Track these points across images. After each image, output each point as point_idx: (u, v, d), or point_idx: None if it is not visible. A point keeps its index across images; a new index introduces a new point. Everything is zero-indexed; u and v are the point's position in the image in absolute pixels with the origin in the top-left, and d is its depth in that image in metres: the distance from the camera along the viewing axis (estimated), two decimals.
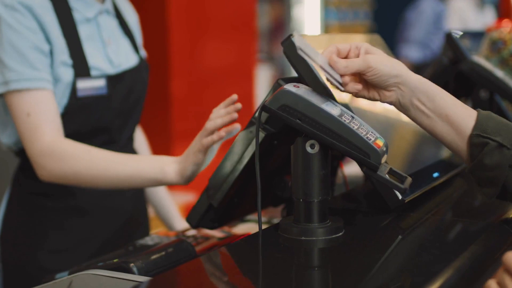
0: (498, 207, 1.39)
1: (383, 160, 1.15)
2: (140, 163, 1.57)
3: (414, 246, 1.22)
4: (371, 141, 1.13)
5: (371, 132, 1.16)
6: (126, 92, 1.79)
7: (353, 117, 1.17)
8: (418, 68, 6.45)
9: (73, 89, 1.68)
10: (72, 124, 1.70)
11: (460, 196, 1.52)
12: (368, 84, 1.23)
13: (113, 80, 1.75)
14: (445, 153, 1.63)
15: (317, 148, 1.15)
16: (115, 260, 1.33)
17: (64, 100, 1.68)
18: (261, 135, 1.31)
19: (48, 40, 1.65)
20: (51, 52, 1.66)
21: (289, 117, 1.14)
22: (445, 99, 1.24)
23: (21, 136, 1.62)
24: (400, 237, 1.25)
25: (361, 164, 1.15)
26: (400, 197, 1.28)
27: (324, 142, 1.14)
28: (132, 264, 1.30)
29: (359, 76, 1.22)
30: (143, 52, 1.98)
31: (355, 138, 1.12)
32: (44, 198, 1.74)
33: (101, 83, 1.72)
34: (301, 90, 1.16)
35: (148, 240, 1.59)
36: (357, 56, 1.21)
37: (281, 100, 1.14)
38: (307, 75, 1.32)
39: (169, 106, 3.80)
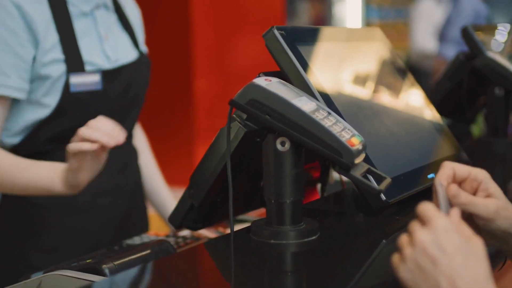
0: None
1: (358, 160, 1.08)
2: (37, 171, 1.55)
3: (396, 251, 1.14)
4: (344, 138, 1.06)
5: (348, 130, 1.09)
6: (123, 87, 1.75)
7: (329, 114, 1.10)
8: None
9: (66, 84, 1.64)
10: (66, 120, 1.67)
11: None
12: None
13: (109, 75, 1.71)
14: (448, 152, 1.54)
15: (288, 145, 1.08)
16: (88, 261, 1.29)
17: (57, 96, 1.65)
18: (242, 131, 1.24)
19: (35, 40, 1.62)
20: (38, 51, 1.62)
21: (258, 112, 1.08)
22: None
23: None
24: (383, 241, 1.18)
25: (334, 163, 1.08)
26: (383, 198, 1.21)
27: (295, 139, 1.07)
28: (104, 266, 1.25)
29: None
30: (144, 48, 1.93)
31: (326, 135, 1.05)
32: (36, 196, 1.70)
33: (95, 78, 1.68)
34: (272, 85, 1.09)
35: (136, 240, 1.55)
36: (473, 189, 1.07)
37: (249, 95, 1.08)
38: (288, 69, 1.26)
39: (192, 104, 3.77)
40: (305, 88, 1.23)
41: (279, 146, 1.09)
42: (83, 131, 1.41)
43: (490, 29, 2.29)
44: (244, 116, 1.24)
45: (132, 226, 1.85)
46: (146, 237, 1.58)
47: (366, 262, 1.08)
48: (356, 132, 1.10)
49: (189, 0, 3.71)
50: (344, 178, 1.54)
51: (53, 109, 1.65)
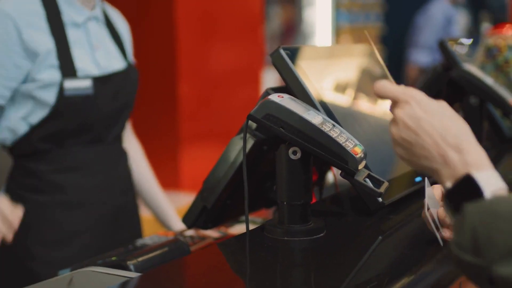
0: None
1: (360, 166, 1.23)
2: None
3: (392, 247, 1.30)
4: (349, 148, 1.21)
5: (350, 140, 1.24)
6: (113, 93, 1.92)
7: (334, 125, 1.25)
8: (427, 72, 6.51)
9: (61, 89, 1.80)
10: (59, 123, 1.84)
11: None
12: None
13: (99, 81, 1.87)
14: None
15: (299, 154, 1.23)
16: (113, 258, 1.42)
17: (52, 98, 1.81)
18: (251, 141, 1.39)
19: (29, 54, 1.78)
20: (35, 61, 1.78)
21: (273, 125, 1.22)
22: None
23: None
24: (379, 238, 1.33)
25: (340, 170, 1.23)
26: (380, 200, 1.36)
27: (306, 149, 1.22)
28: (129, 262, 1.39)
29: None
30: (132, 59, 2.10)
31: (333, 146, 1.21)
32: (36, 194, 1.87)
33: (87, 83, 1.84)
34: (285, 100, 1.24)
35: (147, 240, 1.68)
36: None
37: (265, 110, 1.22)
38: (294, 85, 1.41)
39: (176, 108, 3.89)
40: (309, 101, 1.38)
41: (291, 155, 1.24)
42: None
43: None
44: (253, 126, 1.39)
45: (124, 222, 2.02)
46: (156, 237, 1.71)
47: (367, 256, 1.24)
48: (357, 142, 1.25)
49: (173, 6, 3.84)
50: (339, 182, 1.70)
51: (49, 111, 1.81)
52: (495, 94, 2.10)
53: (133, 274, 1.33)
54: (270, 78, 4.93)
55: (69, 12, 1.86)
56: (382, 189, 1.24)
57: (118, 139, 2.01)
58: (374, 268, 1.19)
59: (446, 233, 1.16)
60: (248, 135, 1.39)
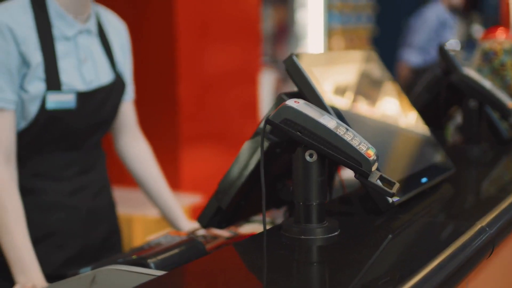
0: (478, 210, 1.55)
1: (373, 168, 1.29)
2: (21, 247, 1.77)
3: (402, 244, 1.37)
4: (363, 151, 1.28)
5: (363, 143, 1.30)
6: (95, 107, 1.97)
7: (347, 129, 1.32)
8: (417, 72, 6.62)
9: (43, 102, 1.85)
10: (39, 131, 1.89)
11: (445, 200, 1.67)
12: None
13: (82, 96, 1.92)
14: (435, 158, 1.77)
15: (315, 157, 1.29)
16: (133, 257, 1.48)
17: (34, 110, 1.86)
18: (266, 144, 1.46)
19: (25, 61, 1.83)
20: (28, 69, 1.83)
21: (290, 129, 1.28)
22: None
23: None
24: (390, 236, 1.40)
25: (354, 171, 1.30)
26: (390, 201, 1.43)
27: (321, 152, 1.28)
28: (149, 260, 1.45)
29: None
30: (127, 70, 2.13)
31: (348, 149, 1.27)
32: None
33: (70, 97, 1.89)
34: (301, 105, 1.30)
35: (161, 239, 1.74)
36: None
37: (283, 115, 1.29)
38: (307, 91, 1.47)
39: (176, 109, 3.94)
40: (321, 106, 1.45)
41: (307, 158, 1.30)
42: None
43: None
44: (268, 130, 1.45)
45: (97, 223, 2.06)
46: (170, 237, 1.77)
47: (379, 252, 1.30)
48: (370, 145, 1.32)
49: (173, 8, 3.89)
50: (347, 182, 1.76)
51: (29, 122, 1.87)
52: (493, 98, 2.17)
53: (154, 272, 1.39)
54: (267, 79, 4.99)
55: (60, 26, 1.90)
56: (394, 190, 1.30)
57: (97, 144, 2.06)
58: (386, 265, 1.25)
59: None
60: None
